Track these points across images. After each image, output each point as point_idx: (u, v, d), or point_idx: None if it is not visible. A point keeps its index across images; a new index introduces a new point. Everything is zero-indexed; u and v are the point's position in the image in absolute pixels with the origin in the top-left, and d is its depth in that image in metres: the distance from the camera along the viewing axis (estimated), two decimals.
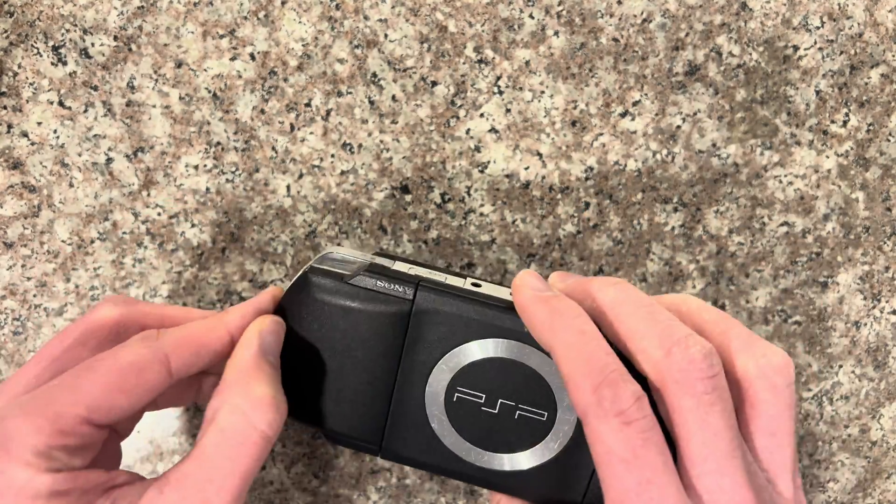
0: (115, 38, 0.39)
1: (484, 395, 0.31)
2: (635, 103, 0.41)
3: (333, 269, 0.32)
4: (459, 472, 0.32)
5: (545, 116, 0.41)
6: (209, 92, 0.39)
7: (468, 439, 0.32)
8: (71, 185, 0.40)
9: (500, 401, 0.31)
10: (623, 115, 0.41)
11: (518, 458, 0.32)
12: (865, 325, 0.44)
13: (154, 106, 0.39)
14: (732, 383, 0.28)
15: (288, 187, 0.40)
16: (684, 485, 0.25)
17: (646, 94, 0.41)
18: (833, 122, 0.42)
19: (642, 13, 0.40)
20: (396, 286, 0.31)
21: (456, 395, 0.31)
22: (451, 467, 0.32)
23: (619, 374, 0.25)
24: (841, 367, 0.45)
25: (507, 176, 0.41)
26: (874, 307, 0.44)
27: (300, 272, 0.32)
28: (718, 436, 0.25)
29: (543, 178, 0.41)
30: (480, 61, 0.40)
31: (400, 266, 0.33)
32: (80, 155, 0.40)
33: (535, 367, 0.31)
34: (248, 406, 0.27)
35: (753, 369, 0.28)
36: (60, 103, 0.39)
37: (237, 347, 0.29)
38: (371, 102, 0.40)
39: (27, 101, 0.39)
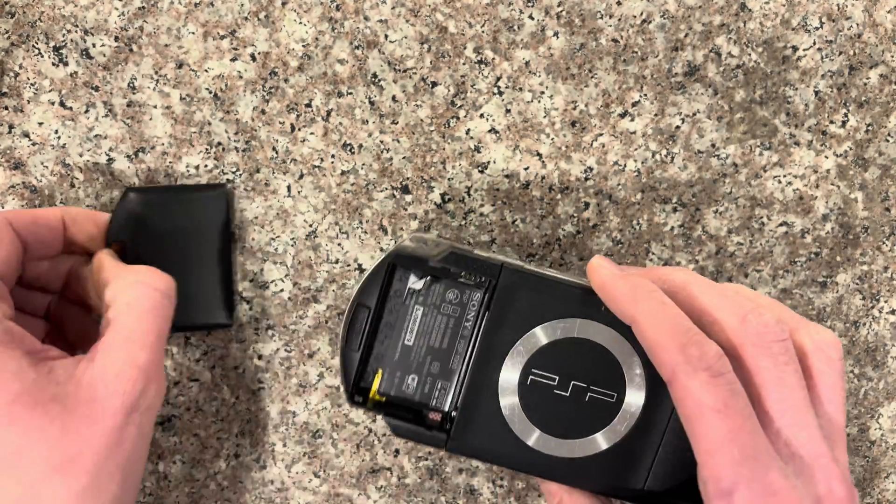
0: (116, 38, 0.39)
1: (557, 378, 0.32)
2: (635, 104, 0.41)
3: (416, 254, 0.33)
4: (527, 462, 0.32)
5: (545, 117, 0.41)
6: (210, 92, 0.40)
7: (538, 425, 0.32)
8: (72, 186, 0.40)
9: (572, 383, 0.32)
10: (623, 115, 0.41)
11: (585, 443, 0.32)
12: (864, 324, 0.45)
13: (155, 106, 0.40)
14: None
15: (288, 187, 0.41)
16: None
17: (645, 95, 0.41)
18: (832, 122, 0.42)
19: (642, 14, 0.40)
20: (480, 268, 0.32)
21: (530, 377, 0.32)
22: (518, 457, 0.32)
23: (701, 335, 0.27)
24: None
25: (507, 176, 0.41)
26: (873, 307, 0.44)
27: (385, 255, 0.33)
28: (794, 392, 0.28)
29: (543, 178, 0.41)
30: (480, 62, 0.40)
31: (480, 252, 0.34)
32: (81, 155, 0.40)
33: (607, 346, 0.32)
34: (139, 277, 0.32)
35: (810, 344, 0.30)
36: (62, 104, 0.39)
37: (97, 257, 0.35)
38: (371, 103, 0.40)
39: (28, 102, 0.39)
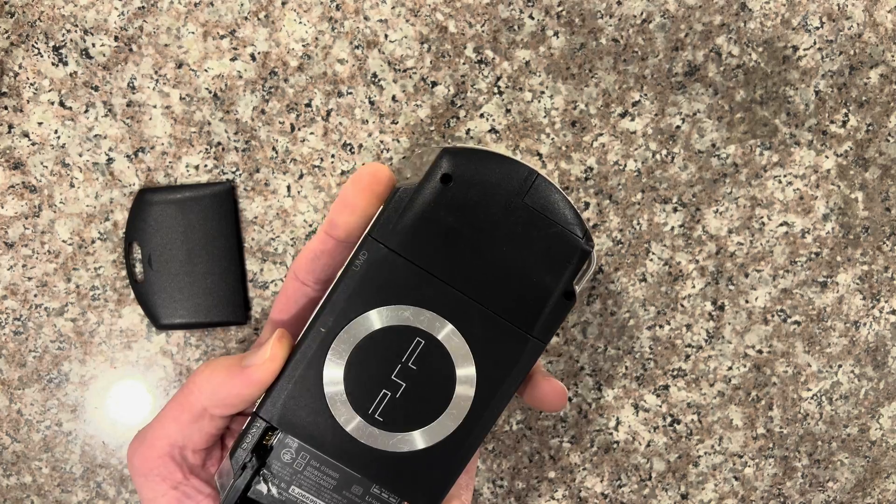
0: (116, 38, 0.39)
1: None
2: (635, 103, 0.41)
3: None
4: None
5: (545, 117, 0.41)
6: (210, 92, 0.40)
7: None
8: (72, 186, 0.40)
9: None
10: (623, 115, 0.41)
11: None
12: (865, 324, 0.45)
13: (155, 106, 0.39)
14: None
15: (288, 187, 0.41)
16: None
17: (645, 95, 0.41)
18: (832, 122, 0.42)
19: (642, 14, 0.40)
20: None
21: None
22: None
23: None
24: (840, 366, 0.45)
25: None
26: (873, 307, 0.44)
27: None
28: None
29: None
30: (480, 62, 0.40)
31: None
32: (80, 155, 0.40)
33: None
34: None
35: None
36: (61, 103, 0.39)
37: None
38: (371, 103, 0.40)
39: (28, 102, 0.39)
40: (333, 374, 0.29)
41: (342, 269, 0.28)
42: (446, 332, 0.29)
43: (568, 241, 0.28)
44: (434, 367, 0.29)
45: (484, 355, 0.29)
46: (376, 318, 0.28)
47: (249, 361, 0.28)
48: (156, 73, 0.39)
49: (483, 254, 0.28)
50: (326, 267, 0.30)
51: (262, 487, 0.29)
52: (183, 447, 0.30)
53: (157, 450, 0.29)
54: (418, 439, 0.30)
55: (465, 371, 0.30)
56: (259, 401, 0.29)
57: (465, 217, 0.28)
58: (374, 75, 0.40)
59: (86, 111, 0.39)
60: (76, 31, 0.38)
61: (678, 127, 0.41)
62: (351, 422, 0.29)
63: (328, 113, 0.40)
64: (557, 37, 0.40)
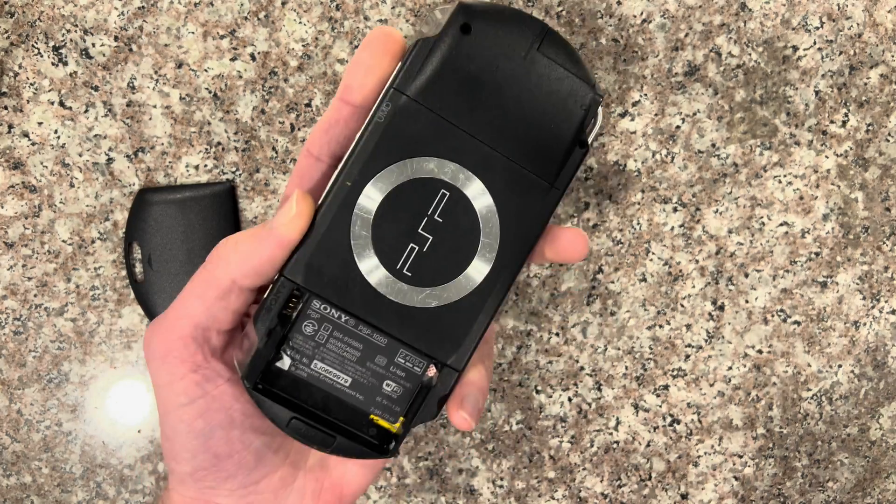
0: (116, 38, 0.39)
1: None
2: (635, 103, 0.41)
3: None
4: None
5: None
6: (210, 92, 0.40)
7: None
8: (72, 185, 0.40)
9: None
10: (623, 115, 0.41)
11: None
12: (864, 324, 0.45)
13: (155, 106, 0.39)
14: None
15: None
16: None
17: (645, 95, 0.41)
18: (832, 122, 0.42)
19: (642, 14, 0.40)
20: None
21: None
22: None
23: None
24: (840, 366, 0.45)
25: None
26: (873, 307, 0.44)
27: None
28: None
29: None
30: None
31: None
32: (80, 155, 0.40)
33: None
34: None
35: None
36: (61, 103, 0.39)
37: None
38: None
39: (28, 102, 0.39)
40: (360, 229, 0.28)
41: (364, 125, 0.28)
42: (470, 183, 0.29)
43: (580, 90, 0.29)
44: (459, 219, 0.29)
45: (506, 205, 0.29)
46: (401, 171, 0.28)
47: (275, 223, 0.27)
48: (156, 73, 0.39)
49: (502, 103, 0.28)
50: (341, 137, 0.29)
51: (284, 363, 0.28)
52: (207, 328, 0.28)
53: (178, 330, 0.28)
54: (445, 293, 0.30)
55: (489, 221, 0.30)
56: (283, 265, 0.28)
57: (485, 66, 0.28)
58: None
59: (86, 111, 0.39)
60: (76, 31, 0.38)
61: (678, 127, 0.41)
62: (379, 277, 0.29)
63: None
64: None
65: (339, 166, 0.28)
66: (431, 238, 0.29)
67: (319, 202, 0.28)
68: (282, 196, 0.31)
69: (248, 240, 0.27)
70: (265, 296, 0.28)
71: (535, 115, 0.29)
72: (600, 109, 0.29)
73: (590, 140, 0.29)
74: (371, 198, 0.28)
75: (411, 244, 0.29)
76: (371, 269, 0.29)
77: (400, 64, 0.27)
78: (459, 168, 0.29)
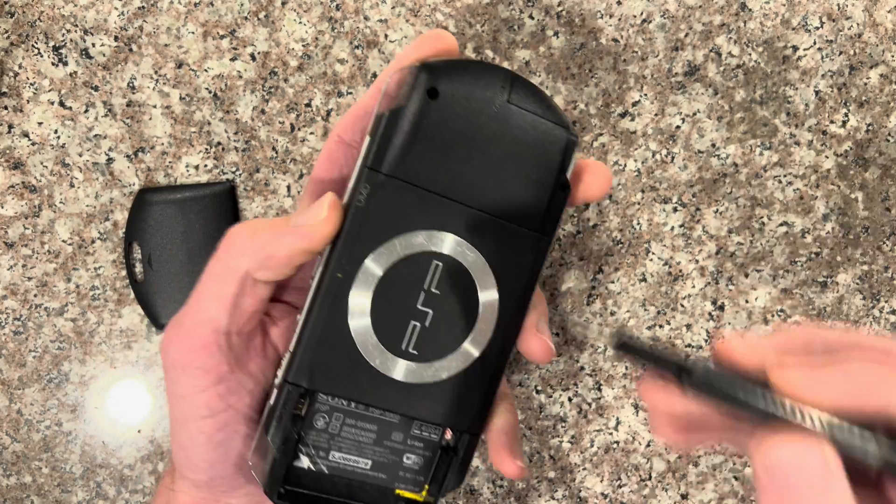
0: (116, 38, 0.39)
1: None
2: (635, 103, 0.41)
3: None
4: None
5: None
6: (210, 92, 0.40)
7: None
8: (72, 185, 0.40)
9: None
10: (623, 115, 0.41)
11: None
12: (865, 324, 0.45)
13: (155, 106, 0.39)
14: None
15: (288, 187, 0.41)
16: None
17: (645, 95, 0.41)
18: (832, 122, 0.42)
19: (642, 14, 0.40)
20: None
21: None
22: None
23: None
24: None
25: None
26: (873, 307, 0.44)
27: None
28: None
29: None
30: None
31: None
32: (80, 155, 0.40)
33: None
34: None
35: None
36: (61, 103, 0.39)
37: None
38: None
39: (28, 102, 0.39)
40: (358, 319, 0.27)
41: (345, 209, 0.27)
42: (461, 249, 0.28)
43: (555, 133, 0.28)
44: (456, 286, 0.29)
45: (499, 263, 0.29)
46: (390, 252, 0.28)
47: (301, 221, 0.26)
48: (156, 72, 0.39)
49: (480, 161, 0.28)
50: None
51: (303, 462, 0.28)
52: (228, 332, 0.26)
53: (200, 338, 0.26)
54: (453, 362, 0.29)
55: (486, 282, 0.29)
56: (283, 368, 0.27)
57: (457, 128, 0.27)
58: (374, 75, 0.40)
59: (86, 111, 0.39)
60: (76, 31, 0.38)
61: (678, 127, 0.41)
62: (385, 361, 0.28)
63: (328, 113, 0.40)
64: (557, 37, 0.40)
65: (325, 255, 0.27)
66: (432, 312, 0.28)
67: (311, 294, 0.27)
68: (308, 182, 0.30)
69: (268, 230, 0.26)
70: (271, 402, 0.27)
71: (514, 167, 0.28)
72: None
73: (569, 177, 0.28)
74: (364, 284, 0.27)
75: (413, 322, 0.28)
76: (376, 355, 0.28)
77: (369, 139, 0.27)
78: (448, 236, 0.28)
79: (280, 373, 0.27)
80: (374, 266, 0.27)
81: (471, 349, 0.29)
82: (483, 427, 0.30)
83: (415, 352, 0.28)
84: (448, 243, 0.28)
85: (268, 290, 0.27)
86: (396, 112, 0.26)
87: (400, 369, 0.28)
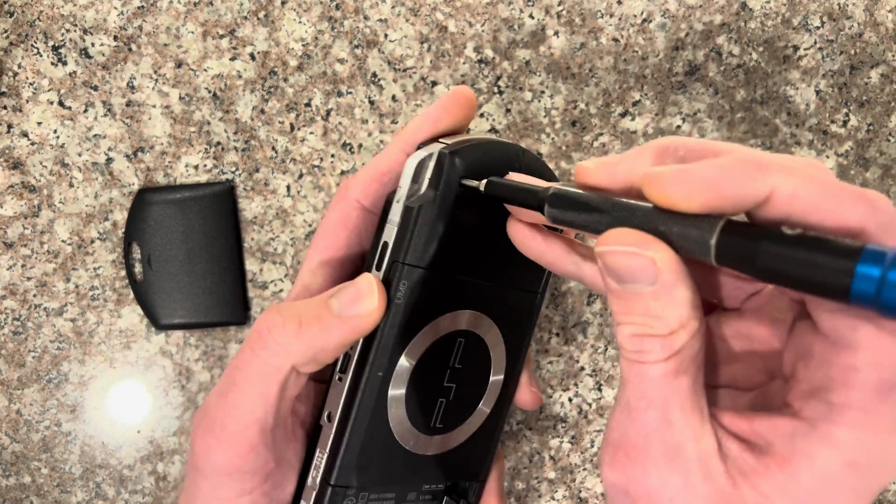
0: (116, 38, 0.39)
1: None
2: (635, 103, 0.41)
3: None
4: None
5: (545, 116, 0.41)
6: (209, 92, 0.39)
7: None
8: (71, 185, 0.40)
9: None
10: (623, 114, 0.41)
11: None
12: None
13: (154, 106, 0.39)
14: None
15: (288, 187, 0.41)
16: None
17: (646, 94, 0.41)
18: (833, 122, 0.42)
19: (642, 13, 0.40)
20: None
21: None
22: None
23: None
24: None
25: None
26: None
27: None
28: None
29: None
30: (480, 61, 0.40)
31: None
32: (80, 155, 0.40)
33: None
34: None
35: None
36: (60, 103, 0.39)
37: None
38: (371, 102, 0.40)
39: (27, 101, 0.39)
40: (396, 410, 0.28)
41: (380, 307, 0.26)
42: (478, 321, 0.29)
43: None
44: (474, 355, 0.29)
45: (506, 325, 0.30)
46: (424, 338, 0.28)
47: (348, 309, 0.25)
48: (155, 72, 0.39)
49: (491, 237, 0.28)
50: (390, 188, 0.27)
51: None
52: (274, 427, 0.25)
53: (247, 441, 0.24)
54: (471, 425, 0.30)
55: (497, 346, 0.30)
56: (323, 466, 0.27)
57: (480, 210, 0.27)
58: (374, 75, 0.40)
59: (85, 111, 0.39)
60: (75, 31, 0.38)
61: (679, 126, 0.41)
62: (420, 443, 0.29)
63: (328, 112, 0.40)
64: (557, 36, 0.40)
65: (359, 351, 0.27)
66: (455, 386, 0.29)
67: (346, 391, 0.27)
68: (316, 239, 0.28)
69: (313, 324, 0.25)
70: (311, 501, 0.27)
71: None
72: None
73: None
74: (400, 378, 0.27)
75: (440, 399, 0.29)
76: (410, 438, 0.28)
77: (398, 230, 0.26)
78: (468, 312, 0.28)
79: (318, 473, 0.27)
80: (408, 358, 0.27)
81: (484, 408, 0.30)
82: (489, 472, 0.31)
83: (441, 425, 0.29)
84: (467, 319, 0.29)
85: (307, 377, 0.26)
86: (431, 204, 0.26)
87: (432, 446, 0.29)
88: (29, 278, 0.40)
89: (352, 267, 0.29)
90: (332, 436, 0.27)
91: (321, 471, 0.27)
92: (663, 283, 0.19)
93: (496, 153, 0.27)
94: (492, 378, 0.30)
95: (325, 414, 0.27)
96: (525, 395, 0.32)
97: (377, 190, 0.27)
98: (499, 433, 0.31)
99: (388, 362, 0.27)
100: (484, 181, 0.25)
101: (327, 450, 0.27)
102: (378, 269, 0.26)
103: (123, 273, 0.41)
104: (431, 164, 0.26)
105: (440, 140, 0.27)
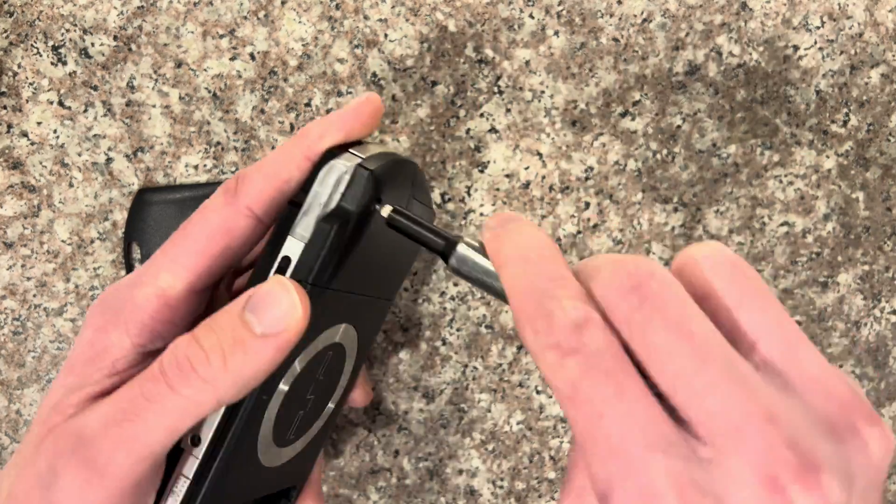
0: (115, 37, 0.39)
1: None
2: (635, 103, 0.41)
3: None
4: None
5: (545, 116, 0.41)
6: (209, 92, 0.39)
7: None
8: (71, 185, 0.40)
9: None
10: (623, 114, 0.41)
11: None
12: (865, 324, 0.44)
13: (154, 106, 0.39)
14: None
15: None
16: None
17: (646, 94, 0.41)
18: (833, 121, 0.42)
19: (642, 13, 0.40)
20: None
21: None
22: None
23: (559, 296, 0.20)
24: (841, 366, 0.45)
25: (507, 176, 0.41)
26: (874, 307, 0.44)
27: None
28: (677, 334, 0.19)
29: (543, 178, 0.41)
30: (480, 61, 0.40)
31: None
32: (79, 155, 0.40)
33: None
34: None
35: (687, 261, 0.22)
36: (60, 103, 0.39)
37: None
38: None
39: (27, 101, 0.39)
40: (265, 430, 0.26)
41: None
42: (348, 333, 0.28)
43: (424, 214, 0.30)
44: (336, 366, 0.29)
45: (363, 334, 0.29)
46: (304, 358, 0.27)
47: (272, 326, 0.22)
48: (155, 72, 0.39)
49: (376, 250, 0.27)
50: (290, 197, 0.25)
51: None
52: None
53: (134, 480, 0.23)
54: (314, 429, 0.30)
55: (352, 350, 0.29)
56: (183, 494, 0.25)
57: (371, 226, 0.26)
58: (374, 75, 0.40)
59: (85, 111, 0.39)
60: (75, 31, 0.38)
61: (679, 126, 0.41)
62: (272, 456, 0.27)
63: (328, 112, 0.40)
64: (558, 36, 0.40)
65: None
66: (314, 397, 0.28)
67: (220, 416, 0.25)
68: (188, 239, 0.25)
69: (237, 352, 0.22)
70: None
71: (396, 252, 0.30)
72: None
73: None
74: (278, 397, 0.26)
75: (300, 411, 0.28)
76: (269, 453, 0.27)
77: (307, 249, 0.24)
78: (346, 326, 0.28)
79: (177, 500, 0.25)
80: (287, 378, 0.26)
81: (330, 405, 0.30)
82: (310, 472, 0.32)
83: (293, 436, 0.28)
84: (342, 331, 0.28)
85: None
86: (345, 223, 0.24)
87: (279, 456, 0.28)
88: (29, 278, 0.40)
89: (218, 277, 0.26)
90: (198, 462, 0.25)
91: (180, 498, 0.25)
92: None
93: (400, 172, 0.27)
94: (342, 378, 0.29)
95: (189, 436, 0.25)
96: (360, 394, 0.33)
97: (274, 199, 0.25)
98: (329, 433, 0.31)
99: (274, 383, 0.25)
100: (388, 208, 0.25)
101: (191, 477, 0.25)
102: None
103: (123, 273, 0.41)
104: (347, 179, 0.24)
105: (350, 150, 0.26)
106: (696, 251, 0.21)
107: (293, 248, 0.24)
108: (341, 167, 0.25)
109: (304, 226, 0.24)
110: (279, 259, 0.24)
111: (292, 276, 0.24)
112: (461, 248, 0.23)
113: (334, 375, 0.29)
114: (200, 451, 0.25)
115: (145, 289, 0.24)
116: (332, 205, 0.24)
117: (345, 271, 0.25)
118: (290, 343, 0.23)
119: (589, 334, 0.20)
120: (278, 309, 0.22)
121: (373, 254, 0.27)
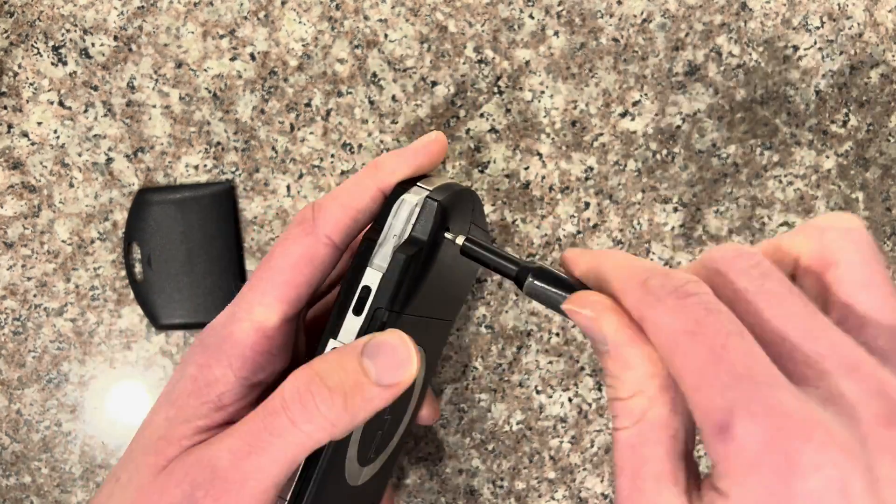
0: (116, 38, 0.39)
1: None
2: (635, 103, 0.41)
3: None
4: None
5: (545, 116, 0.41)
6: (209, 92, 0.39)
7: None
8: (71, 185, 0.40)
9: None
10: (623, 114, 0.41)
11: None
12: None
13: (154, 106, 0.39)
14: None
15: (288, 187, 0.41)
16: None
17: (646, 94, 0.41)
18: (833, 122, 0.42)
19: (642, 13, 0.40)
20: None
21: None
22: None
23: (666, 270, 0.22)
24: None
25: (508, 176, 0.41)
26: None
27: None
28: (786, 301, 0.21)
29: (543, 178, 0.41)
30: (480, 61, 0.40)
31: None
32: (80, 155, 0.40)
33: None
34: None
35: (805, 240, 0.24)
36: (61, 103, 0.39)
37: None
38: (371, 102, 0.40)
39: (27, 101, 0.39)
40: (351, 454, 0.28)
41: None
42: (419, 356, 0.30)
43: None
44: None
45: (430, 353, 0.31)
46: None
47: (388, 377, 0.24)
48: (155, 72, 0.39)
49: (445, 275, 0.29)
50: (365, 226, 0.27)
51: None
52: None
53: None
54: (389, 449, 0.31)
55: (420, 373, 0.30)
56: None
57: (441, 253, 0.27)
58: (374, 75, 0.40)
59: (85, 111, 0.39)
60: (75, 31, 0.38)
61: (678, 126, 0.41)
62: (356, 475, 0.29)
63: (328, 112, 0.40)
64: (557, 36, 0.40)
65: None
66: (389, 417, 0.29)
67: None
68: (269, 272, 0.27)
69: (356, 395, 0.24)
70: None
71: (460, 276, 0.31)
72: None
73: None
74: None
75: (379, 431, 0.29)
76: (354, 473, 0.28)
77: (385, 278, 0.26)
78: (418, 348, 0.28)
79: None
80: None
81: (403, 424, 0.32)
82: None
83: (373, 455, 0.29)
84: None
85: None
86: (419, 253, 0.26)
87: (366, 475, 0.29)
88: (29, 278, 0.40)
89: (306, 305, 0.27)
90: (293, 483, 0.26)
91: None
92: (613, 343, 0.21)
93: (462, 201, 0.28)
94: (411, 402, 0.31)
95: None
96: (428, 411, 0.34)
97: (350, 227, 0.27)
98: (401, 451, 0.32)
99: None
100: (462, 238, 0.26)
101: (287, 499, 0.26)
102: (357, 313, 0.26)
103: (123, 273, 0.41)
104: (417, 211, 0.26)
105: (418, 184, 0.27)
106: (821, 223, 0.24)
107: (372, 277, 0.26)
108: (412, 200, 0.26)
109: (382, 256, 0.26)
110: (360, 289, 0.26)
111: (372, 304, 0.26)
112: (535, 276, 0.25)
113: (407, 395, 0.30)
114: (296, 474, 0.26)
115: (243, 324, 0.26)
116: (406, 236, 0.26)
117: (417, 297, 0.27)
118: (399, 391, 0.24)
119: (702, 286, 0.21)
120: (397, 362, 0.24)
121: (440, 279, 0.28)
